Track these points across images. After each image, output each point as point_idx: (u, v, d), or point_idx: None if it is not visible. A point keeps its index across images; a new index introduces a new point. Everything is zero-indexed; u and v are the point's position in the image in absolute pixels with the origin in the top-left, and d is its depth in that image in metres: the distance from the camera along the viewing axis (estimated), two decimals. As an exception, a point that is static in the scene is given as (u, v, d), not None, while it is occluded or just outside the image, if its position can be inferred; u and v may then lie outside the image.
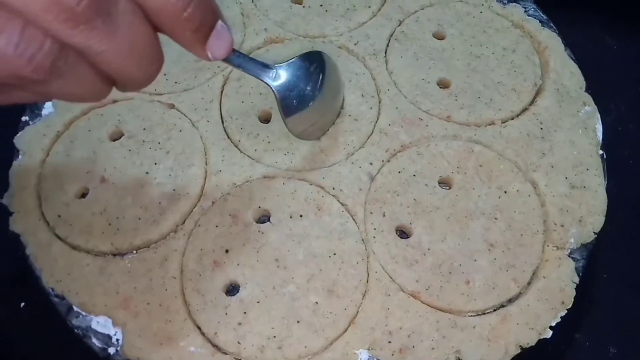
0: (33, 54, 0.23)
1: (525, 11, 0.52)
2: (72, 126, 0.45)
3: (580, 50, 0.52)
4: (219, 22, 0.28)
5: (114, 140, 0.45)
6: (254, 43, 0.49)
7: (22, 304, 0.44)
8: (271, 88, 0.37)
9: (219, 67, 0.48)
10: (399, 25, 0.51)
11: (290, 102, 0.38)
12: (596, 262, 0.44)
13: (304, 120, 0.40)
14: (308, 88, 0.39)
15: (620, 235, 0.48)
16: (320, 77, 0.39)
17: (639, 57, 0.59)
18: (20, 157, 0.44)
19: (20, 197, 0.43)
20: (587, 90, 0.49)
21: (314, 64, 0.39)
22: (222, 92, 0.47)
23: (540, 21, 0.52)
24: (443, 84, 0.48)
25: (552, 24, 0.52)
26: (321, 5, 0.52)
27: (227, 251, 0.40)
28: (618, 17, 0.61)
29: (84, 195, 0.43)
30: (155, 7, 0.25)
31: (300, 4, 0.52)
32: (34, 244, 0.41)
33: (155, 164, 0.43)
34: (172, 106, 0.46)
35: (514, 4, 0.53)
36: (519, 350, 0.38)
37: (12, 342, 0.44)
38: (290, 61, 0.38)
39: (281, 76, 0.37)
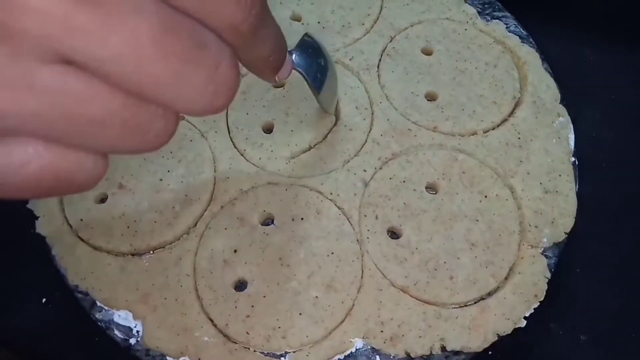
0: None
1: (507, 27, 0.56)
2: (91, 137, 0.49)
3: (559, 61, 0.55)
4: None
5: (130, 149, 0.48)
6: (256, 58, 0.53)
7: (44, 300, 0.48)
8: (301, 74, 0.40)
9: (225, 81, 0.52)
10: (390, 42, 0.54)
11: (316, 77, 0.41)
12: (571, 259, 0.48)
13: (329, 89, 0.43)
14: (321, 61, 0.41)
15: (592, 234, 0.50)
16: (322, 47, 0.42)
17: (613, 68, 0.62)
18: (43, 165, 0.48)
19: (45, 203, 0.46)
20: (562, 102, 0.53)
21: (311, 38, 0.41)
22: (228, 104, 0.51)
23: (520, 37, 0.56)
24: (430, 97, 0.52)
25: (531, 40, 0.56)
26: (319, 22, 0.55)
27: (235, 251, 0.44)
28: (595, 31, 0.64)
29: (103, 201, 0.46)
30: (248, 59, 0.27)
31: (299, 22, 0.56)
32: (59, 245, 0.44)
33: (169, 171, 0.47)
34: (182, 118, 0.50)
35: (497, 20, 0.57)
36: (497, 338, 0.42)
37: (38, 335, 0.47)
38: (298, 44, 0.40)
39: (299, 58, 0.39)
